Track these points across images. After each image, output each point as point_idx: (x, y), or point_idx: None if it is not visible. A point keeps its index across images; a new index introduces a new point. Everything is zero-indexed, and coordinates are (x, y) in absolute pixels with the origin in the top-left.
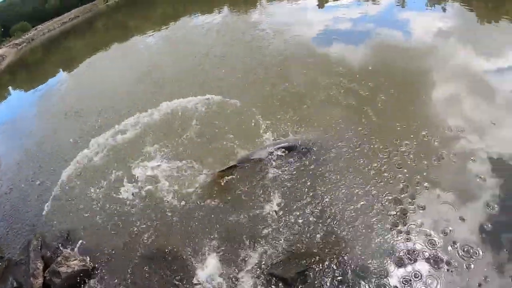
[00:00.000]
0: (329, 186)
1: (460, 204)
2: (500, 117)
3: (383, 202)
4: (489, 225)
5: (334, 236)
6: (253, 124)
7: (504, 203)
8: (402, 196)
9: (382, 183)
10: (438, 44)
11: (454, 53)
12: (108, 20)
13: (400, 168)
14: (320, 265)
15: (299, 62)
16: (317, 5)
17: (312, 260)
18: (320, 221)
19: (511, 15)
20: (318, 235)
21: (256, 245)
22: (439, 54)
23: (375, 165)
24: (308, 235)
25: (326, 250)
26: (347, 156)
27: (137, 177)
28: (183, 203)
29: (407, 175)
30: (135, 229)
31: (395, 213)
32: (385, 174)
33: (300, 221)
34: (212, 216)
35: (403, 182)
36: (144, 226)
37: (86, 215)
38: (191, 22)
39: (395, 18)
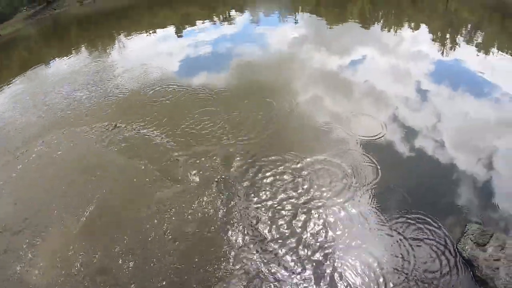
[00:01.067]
0: None
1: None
2: (362, 104)
3: None
4: None
5: None
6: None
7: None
8: None
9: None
10: (295, 52)
11: (311, 58)
12: None
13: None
14: None
15: (162, 96)
16: (175, 32)
17: None
18: None
19: (355, 16)
20: None
21: None
22: (298, 61)
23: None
24: None
25: None
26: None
27: None
28: None
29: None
30: None
31: None
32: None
33: None
34: None
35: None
36: None
37: None
38: (46, 71)
39: (252, 35)
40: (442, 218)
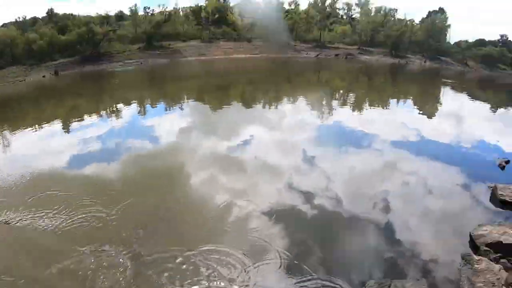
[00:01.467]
0: None
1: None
2: (255, 180)
3: None
4: None
5: None
6: None
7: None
8: None
9: None
10: (183, 140)
11: (199, 143)
12: None
13: None
14: None
15: (46, 202)
16: (63, 128)
17: None
18: None
19: (237, 99)
20: None
21: None
22: (187, 148)
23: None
24: None
25: None
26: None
27: None
28: None
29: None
30: None
31: None
32: None
33: None
34: None
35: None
36: None
37: None
38: None
39: (140, 128)
40: (342, 278)
